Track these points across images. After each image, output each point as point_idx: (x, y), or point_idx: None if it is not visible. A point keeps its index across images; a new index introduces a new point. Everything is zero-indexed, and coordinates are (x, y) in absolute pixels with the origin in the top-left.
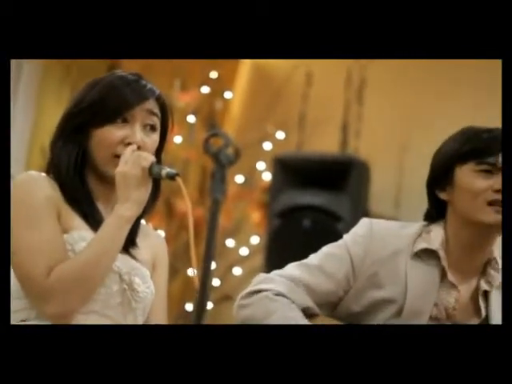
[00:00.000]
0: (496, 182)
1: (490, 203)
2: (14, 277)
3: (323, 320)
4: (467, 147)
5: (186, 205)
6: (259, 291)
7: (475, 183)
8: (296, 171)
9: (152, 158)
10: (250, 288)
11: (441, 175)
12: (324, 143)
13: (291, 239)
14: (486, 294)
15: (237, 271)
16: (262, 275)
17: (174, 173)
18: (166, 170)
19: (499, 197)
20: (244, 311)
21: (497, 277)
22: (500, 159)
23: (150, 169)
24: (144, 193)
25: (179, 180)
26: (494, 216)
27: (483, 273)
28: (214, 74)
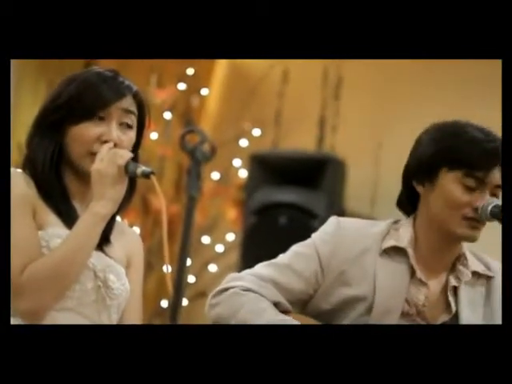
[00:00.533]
0: (477, 198)
1: (466, 218)
2: None
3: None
4: (460, 154)
5: (160, 203)
6: (228, 289)
7: (457, 195)
8: (272, 168)
9: (128, 156)
10: (219, 287)
11: (423, 169)
12: (300, 141)
13: (267, 236)
14: (455, 289)
15: (212, 268)
16: (232, 275)
17: (148, 171)
18: (141, 169)
19: (476, 215)
20: (214, 309)
21: (466, 272)
22: (489, 174)
23: (126, 167)
24: (120, 191)
25: (153, 178)
26: (467, 231)
27: (452, 269)
28: (190, 71)
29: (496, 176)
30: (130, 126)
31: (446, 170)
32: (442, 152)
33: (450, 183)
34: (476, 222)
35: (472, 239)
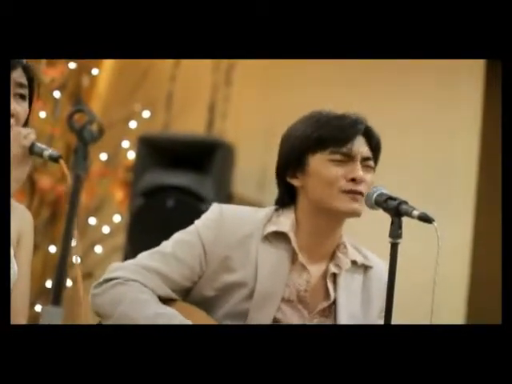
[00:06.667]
0: (350, 170)
1: (345, 192)
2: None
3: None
4: (318, 135)
5: (67, 186)
6: (111, 279)
7: (328, 172)
8: (161, 151)
9: (33, 137)
10: (102, 277)
11: (292, 162)
12: (191, 124)
13: (154, 219)
14: (334, 276)
15: (98, 249)
16: (115, 264)
17: (57, 155)
18: (48, 151)
19: (353, 186)
20: (97, 299)
21: (345, 261)
22: (353, 146)
23: (31, 148)
24: (23, 171)
25: (62, 162)
26: (349, 204)
27: (332, 257)
28: None
29: (361, 149)
30: (23, 97)
31: (312, 155)
32: (303, 140)
33: (319, 164)
34: (354, 193)
35: (354, 213)
